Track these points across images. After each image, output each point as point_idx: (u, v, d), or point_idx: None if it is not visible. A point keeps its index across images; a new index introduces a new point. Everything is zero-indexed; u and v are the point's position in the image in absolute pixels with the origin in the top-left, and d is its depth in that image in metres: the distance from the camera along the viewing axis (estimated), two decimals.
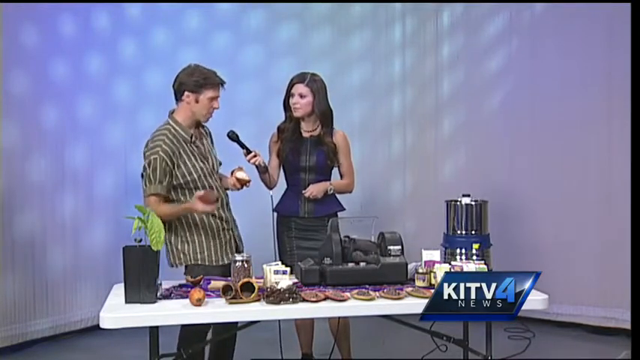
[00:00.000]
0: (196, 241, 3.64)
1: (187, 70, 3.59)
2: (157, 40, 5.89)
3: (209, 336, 3.64)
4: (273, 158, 4.13)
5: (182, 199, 3.59)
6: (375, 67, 6.45)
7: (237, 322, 3.43)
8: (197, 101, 3.56)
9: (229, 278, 3.28)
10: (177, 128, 3.57)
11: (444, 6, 6.14)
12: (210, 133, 3.81)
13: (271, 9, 6.27)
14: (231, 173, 3.72)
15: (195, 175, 3.58)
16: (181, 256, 3.64)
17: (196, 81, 3.53)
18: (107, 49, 5.56)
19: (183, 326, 3.49)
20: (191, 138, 3.60)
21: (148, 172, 3.48)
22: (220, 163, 3.81)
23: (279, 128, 4.15)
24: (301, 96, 4.04)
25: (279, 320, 3.85)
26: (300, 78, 4.07)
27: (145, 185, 3.51)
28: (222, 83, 3.60)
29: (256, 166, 3.90)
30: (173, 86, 3.60)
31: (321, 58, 6.19)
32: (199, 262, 3.63)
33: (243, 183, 3.69)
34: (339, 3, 6.39)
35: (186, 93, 3.55)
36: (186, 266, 3.68)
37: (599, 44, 5.33)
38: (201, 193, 3.46)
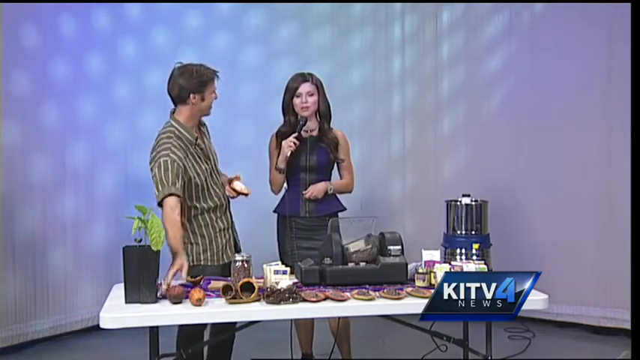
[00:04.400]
0: (199, 242, 3.65)
1: (183, 73, 3.53)
2: (157, 40, 5.89)
3: (207, 337, 3.64)
4: (273, 163, 4.12)
5: (188, 202, 3.58)
6: (374, 67, 6.44)
7: (235, 323, 3.44)
8: (203, 99, 3.56)
9: (229, 278, 3.28)
10: (181, 130, 3.54)
11: (444, 6, 6.13)
12: (207, 128, 3.80)
13: (271, 9, 6.27)
14: (229, 182, 3.79)
15: (203, 177, 3.59)
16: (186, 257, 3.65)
17: (199, 81, 3.52)
18: (107, 49, 5.56)
19: (181, 326, 3.51)
20: (196, 140, 3.59)
21: (160, 175, 3.39)
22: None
23: (279, 132, 4.13)
24: (310, 94, 4.06)
25: (291, 320, 3.87)
26: (304, 78, 4.09)
27: (158, 190, 3.40)
28: (216, 73, 3.60)
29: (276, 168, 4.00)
30: (170, 92, 3.56)
31: (321, 58, 6.20)
32: (202, 263, 3.65)
33: (239, 193, 3.77)
34: (339, 3, 6.39)
35: (192, 95, 3.52)
36: (189, 267, 3.68)
37: (599, 44, 5.33)
38: (188, 282, 3.31)
